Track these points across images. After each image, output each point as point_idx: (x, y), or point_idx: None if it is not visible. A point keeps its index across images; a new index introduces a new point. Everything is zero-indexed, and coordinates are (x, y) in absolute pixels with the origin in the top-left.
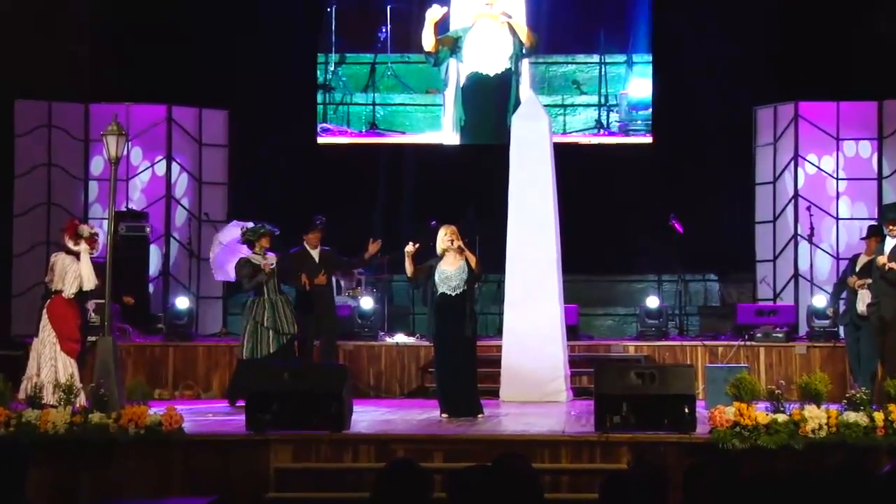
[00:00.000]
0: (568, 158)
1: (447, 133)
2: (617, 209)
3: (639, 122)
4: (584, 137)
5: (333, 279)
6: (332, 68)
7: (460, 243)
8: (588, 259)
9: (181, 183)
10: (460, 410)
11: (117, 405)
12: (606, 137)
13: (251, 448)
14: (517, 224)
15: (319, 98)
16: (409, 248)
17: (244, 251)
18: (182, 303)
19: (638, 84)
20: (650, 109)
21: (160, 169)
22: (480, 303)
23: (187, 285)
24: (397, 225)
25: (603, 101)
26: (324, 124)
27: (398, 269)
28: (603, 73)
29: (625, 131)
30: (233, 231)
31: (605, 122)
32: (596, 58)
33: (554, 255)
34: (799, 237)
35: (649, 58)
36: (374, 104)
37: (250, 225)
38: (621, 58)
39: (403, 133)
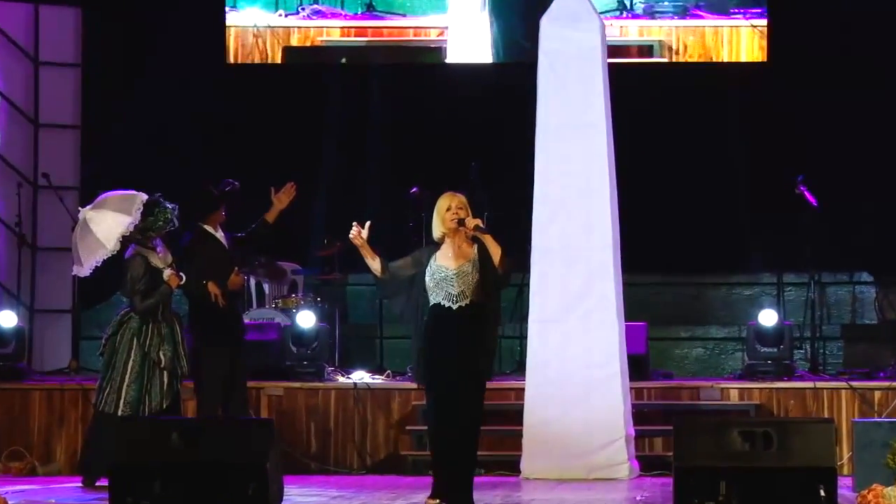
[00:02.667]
0: (628, 90)
1: (452, 18)
2: (710, 171)
3: (665, 3)
4: (605, 20)
5: (252, 282)
6: None
7: (477, 222)
8: (663, 251)
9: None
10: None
11: None
12: (629, 21)
13: None
14: (549, 196)
15: None
16: (355, 233)
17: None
18: (6, 319)
19: None
20: None
21: None
22: None
23: (15, 292)
24: (359, 193)
25: None
26: (315, 6)
27: (357, 265)
28: None
29: (650, 14)
30: (118, 222)
31: (627, 3)
32: None
33: (608, 244)
34: None
35: None
36: None
37: (138, 196)
38: None
39: (404, 16)
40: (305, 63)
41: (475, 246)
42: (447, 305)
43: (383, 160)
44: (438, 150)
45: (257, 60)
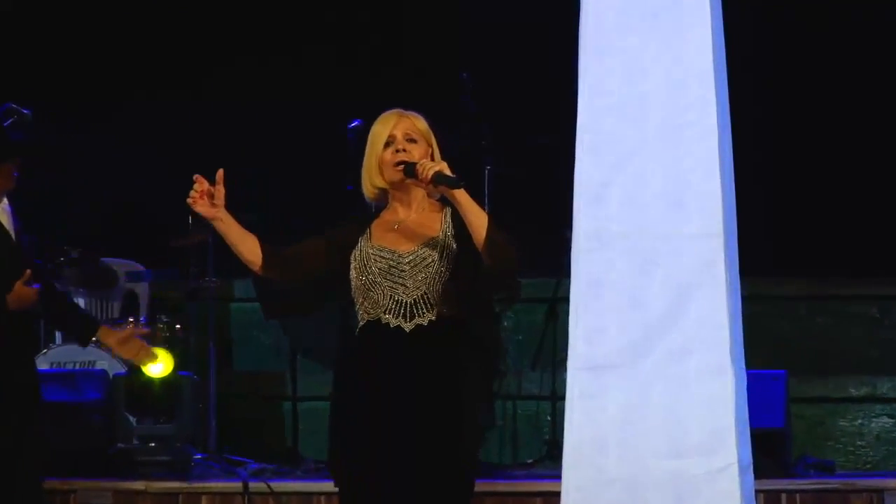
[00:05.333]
0: None
1: None
2: (891, 106)
3: None
4: None
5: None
6: None
7: (438, 168)
8: (816, 241)
9: None
10: None
11: None
12: None
13: None
14: (604, 139)
15: None
16: (196, 193)
17: None
18: None
19: None
20: None
21: None
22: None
23: None
24: (257, 131)
25: None
26: None
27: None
28: None
29: None
30: None
31: None
32: None
33: (715, 228)
34: None
35: None
36: None
37: None
38: None
39: None
40: None
41: (446, 212)
42: (394, 325)
43: (306, 69)
44: (405, 53)
45: None
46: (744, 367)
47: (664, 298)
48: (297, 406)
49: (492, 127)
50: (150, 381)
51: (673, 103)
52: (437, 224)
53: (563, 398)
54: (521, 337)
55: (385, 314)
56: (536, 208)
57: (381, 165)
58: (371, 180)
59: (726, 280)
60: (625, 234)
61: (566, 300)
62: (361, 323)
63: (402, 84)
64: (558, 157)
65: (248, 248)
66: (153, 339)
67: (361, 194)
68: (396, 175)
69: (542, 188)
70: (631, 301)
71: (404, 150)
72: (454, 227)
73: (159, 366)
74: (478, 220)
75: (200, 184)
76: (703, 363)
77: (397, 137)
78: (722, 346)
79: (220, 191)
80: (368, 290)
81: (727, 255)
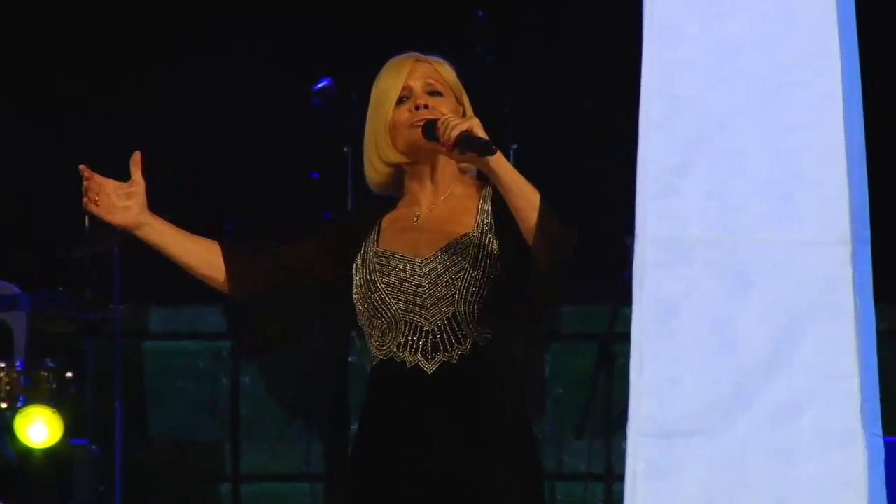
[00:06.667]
0: None
1: None
2: None
3: None
4: None
5: None
6: None
7: (467, 125)
8: None
9: None
10: None
11: None
12: None
13: None
14: (678, 108)
15: None
16: (91, 190)
17: None
18: None
19: None
20: None
21: None
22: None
23: None
24: (193, 96)
25: None
26: None
27: (177, 282)
28: None
29: None
30: None
31: None
32: None
33: (840, 232)
34: None
35: None
36: None
37: None
38: None
39: None
40: None
41: (485, 194)
42: (411, 363)
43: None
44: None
45: None
46: (880, 431)
47: (766, 334)
48: (240, 489)
49: (515, 91)
50: (29, 452)
51: (778, 54)
52: (472, 213)
53: (621, 478)
54: (561, 390)
55: (399, 350)
56: (583, 205)
57: (392, 131)
58: (380, 154)
59: (854, 308)
60: (709, 240)
61: (626, 337)
62: (374, 362)
63: (394, 32)
64: (614, 132)
65: (201, 258)
66: (33, 392)
67: (328, 183)
68: (415, 136)
69: (591, 176)
70: (719, 338)
71: (426, 107)
72: (494, 215)
73: (43, 431)
74: (524, 200)
75: (89, 178)
76: (822, 426)
77: (415, 90)
78: (848, 403)
79: (137, 184)
80: (374, 315)
81: (856, 273)
